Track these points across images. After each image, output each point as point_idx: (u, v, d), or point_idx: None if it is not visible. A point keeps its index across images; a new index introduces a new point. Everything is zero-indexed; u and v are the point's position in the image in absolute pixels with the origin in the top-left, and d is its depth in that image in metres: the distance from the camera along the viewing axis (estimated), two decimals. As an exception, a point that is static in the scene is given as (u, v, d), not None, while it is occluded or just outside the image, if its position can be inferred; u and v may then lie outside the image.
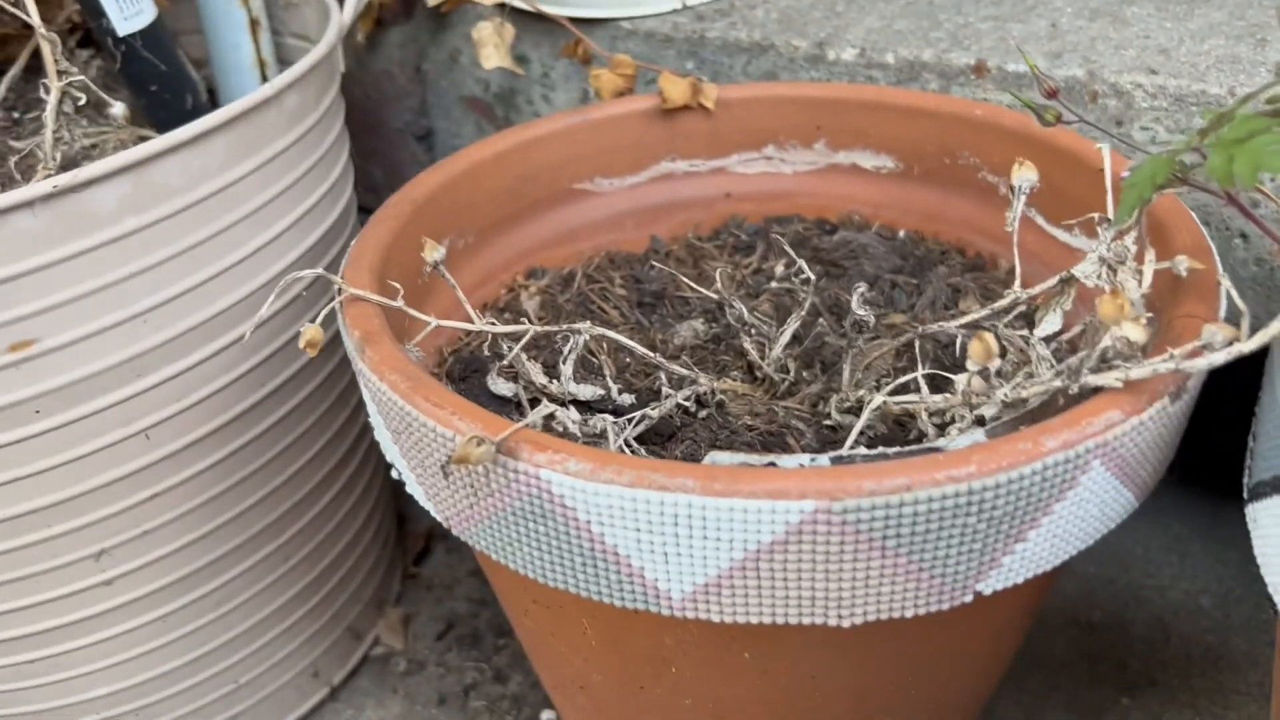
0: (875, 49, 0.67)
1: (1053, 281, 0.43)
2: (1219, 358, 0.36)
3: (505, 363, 0.51)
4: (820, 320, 0.57)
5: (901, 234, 0.66)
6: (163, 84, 0.63)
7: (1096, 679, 0.69)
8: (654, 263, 0.64)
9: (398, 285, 0.47)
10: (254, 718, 0.66)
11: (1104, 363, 0.39)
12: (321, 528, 0.64)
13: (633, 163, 0.67)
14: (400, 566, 0.79)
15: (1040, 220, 0.48)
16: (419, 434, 0.41)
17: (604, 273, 0.64)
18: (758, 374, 0.54)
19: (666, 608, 0.39)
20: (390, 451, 0.45)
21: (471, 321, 0.50)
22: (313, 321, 0.44)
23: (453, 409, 0.40)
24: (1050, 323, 0.44)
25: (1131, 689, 0.69)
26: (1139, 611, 0.74)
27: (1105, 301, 0.36)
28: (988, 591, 0.39)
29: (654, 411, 0.48)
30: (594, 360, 0.54)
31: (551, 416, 0.45)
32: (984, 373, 0.41)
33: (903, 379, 0.47)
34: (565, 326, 0.50)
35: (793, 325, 0.53)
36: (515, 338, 0.50)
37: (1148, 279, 0.40)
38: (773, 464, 0.39)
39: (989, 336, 0.38)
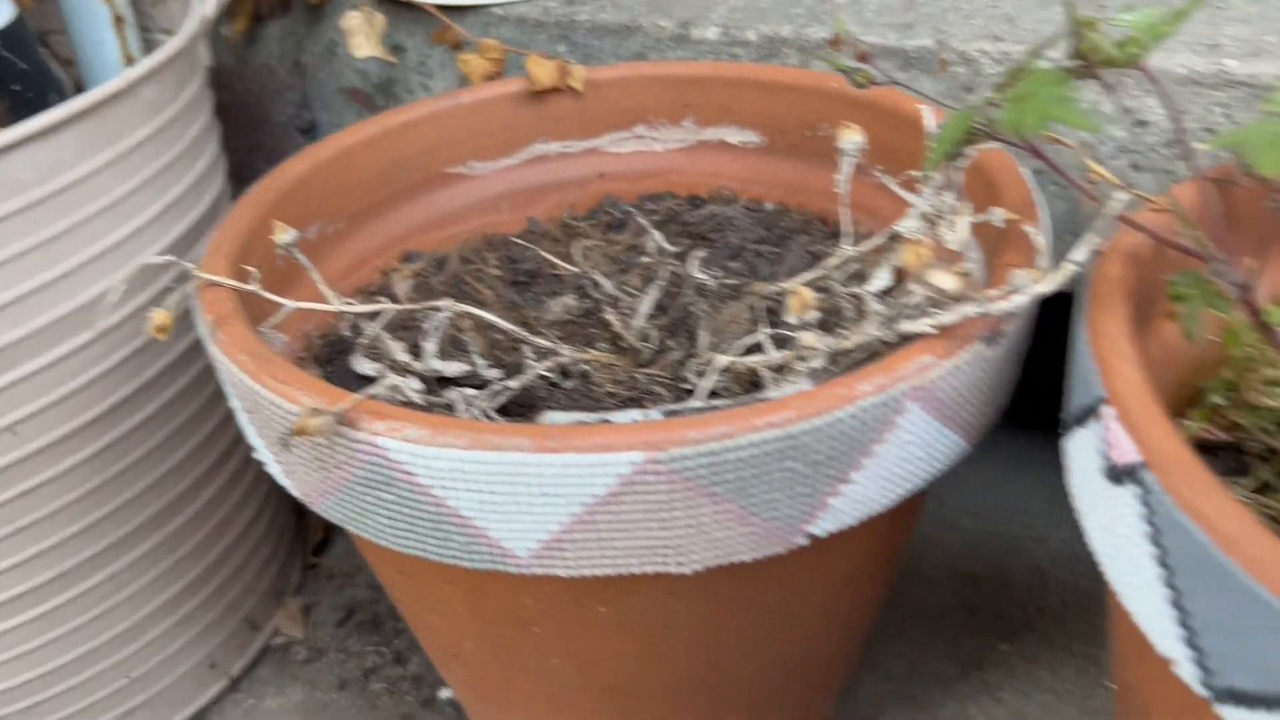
0: (737, 26, 0.69)
1: (880, 239, 0.45)
2: (1021, 300, 0.39)
3: (366, 342, 0.52)
4: (688, 292, 0.59)
5: (769, 206, 0.68)
6: (26, 83, 0.63)
7: (977, 628, 0.72)
8: (526, 243, 0.65)
9: (254, 270, 0.48)
10: (150, 711, 0.66)
11: (923, 312, 0.41)
12: (208, 520, 0.65)
13: (505, 145, 0.68)
14: (300, 557, 0.79)
15: (891, 185, 0.50)
16: (267, 411, 0.42)
17: (479, 254, 0.65)
18: (623, 344, 0.55)
19: (515, 565, 0.41)
20: (249, 432, 0.46)
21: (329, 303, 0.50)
22: (162, 307, 0.45)
23: (297, 385, 0.41)
24: (881, 278, 0.46)
25: (1010, 636, 0.71)
26: (1018, 562, 0.76)
27: (909, 251, 0.37)
28: (821, 533, 0.41)
29: (514, 383, 0.50)
30: (464, 338, 0.56)
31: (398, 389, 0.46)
32: (815, 326, 0.43)
33: (752, 339, 0.49)
34: (426, 304, 0.51)
35: (652, 296, 0.54)
36: (376, 317, 0.51)
37: (963, 232, 0.42)
38: (606, 421, 0.41)
39: (805, 291, 0.39)
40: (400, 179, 0.65)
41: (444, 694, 0.70)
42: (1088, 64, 0.39)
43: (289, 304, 0.48)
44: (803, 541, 0.41)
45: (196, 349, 0.61)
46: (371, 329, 0.50)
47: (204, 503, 0.64)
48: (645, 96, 0.68)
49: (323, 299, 0.51)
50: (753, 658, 0.50)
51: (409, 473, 0.39)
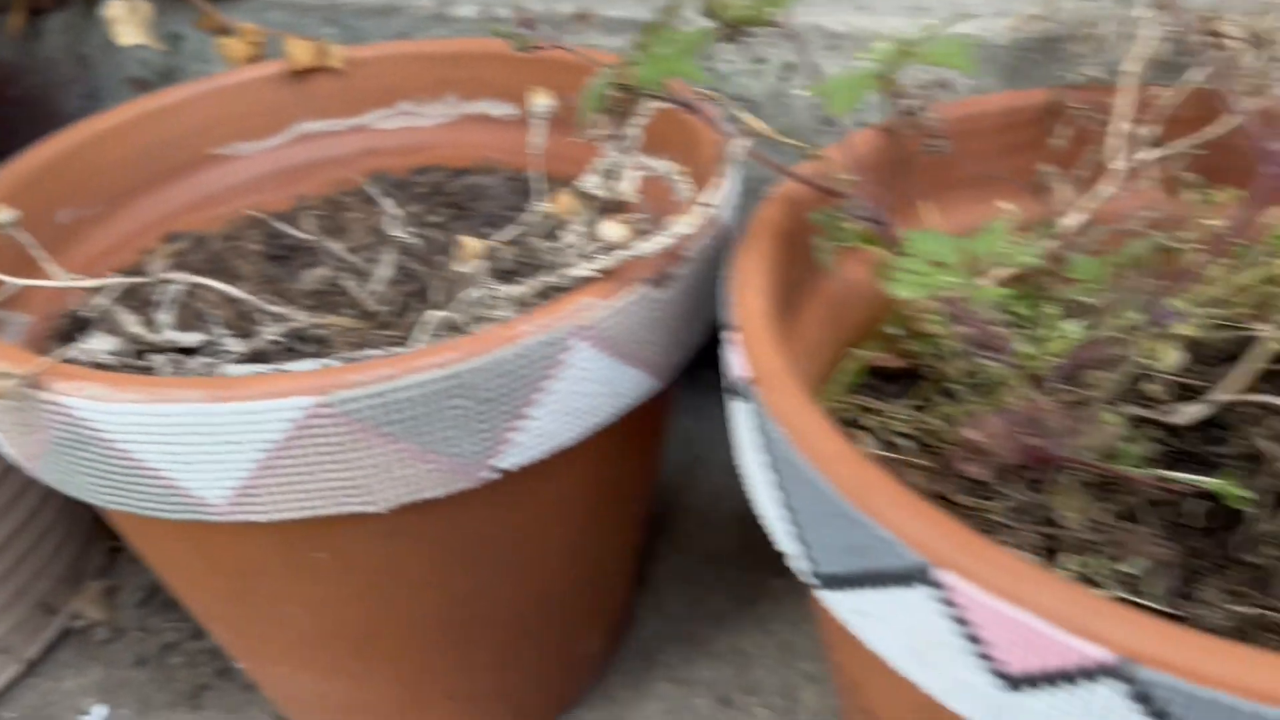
0: (493, 4, 0.72)
1: (566, 194, 0.48)
2: (666, 241, 0.42)
3: (98, 317, 0.53)
4: (438, 258, 0.61)
5: (532, 174, 0.71)
6: None
7: (755, 565, 0.76)
8: (287, 220, 0.67)
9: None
10: (-61, 699, 0.67)
11: (588, 257, 0.44)
12: (-15, 505, 0.66)
13: (270, 126, 0.70)
14: (102, 543, 0.80)
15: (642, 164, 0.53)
16: (-32, 380, 0.43)
17: (242, 232, 0.67)
18: (365, 309, 0.58)
19: (214, 514, 0.43)
20: (-31, 406, 0.48)
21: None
22: None
23: (-8, 353, 0.42)
24: (572, 231, 0.49)
25: (783, 571, 0.75)
26: (799, 503, 0.81)
27: (560, 200, 0.41)
28: (510, 467, 0.44)
29: (242, 347, 0.52)
30: (208, 310, 0.57)
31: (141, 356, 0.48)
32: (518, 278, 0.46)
33: (470, 294, 0.52)
34: (159, 277, 0.53)
35: (388, 262, 0.57)
36: (101, 291, 0.53)
37: (631, 184, 0.46)
38: (281, 371, 0.43)
39: (471, 241, 0.42)
40: (161, 161, 0.66)
41: (240, 663, 0.71)
42: (723, 23, 0.43)
43: (11, 280, 0.50)
44: (492, 476, 0.44)
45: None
46: (98, 303, 0.52)
47: (-21, 489, 0.65)
48: (407, 74, 0.71)
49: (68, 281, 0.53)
50: (491, 597, 0.53)
51: (96, 429, 0.41)
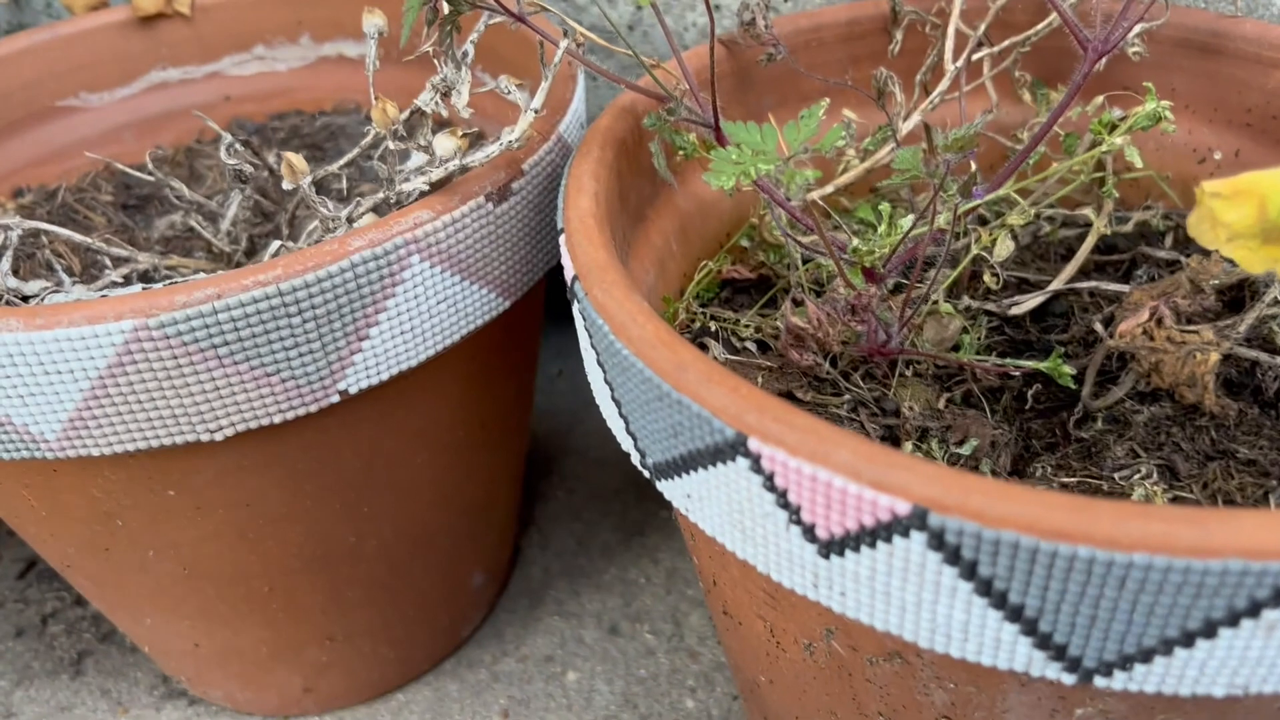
0: (345, -58, 0.70)
1: (404, 115, 0.48)
2: (493, 151, 0.42)
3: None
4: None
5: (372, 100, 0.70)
6: None
7: (642, 499, 0.77)
8: (140, 169, 0.65)
9: None
10: None
11: (421, 172, 0.43)
12: None
13: (120, 75, 0.68)
14: (-24, 517, 0.78)
15: (486, 78, 0.53)
16: None
17: (94, 184, 0.65)
18: (215, 250, 0.57)
19: (48, 450, 0.42)
20: None
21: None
22: None
23: None
24: (415, 157, 0.48)
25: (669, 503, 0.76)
26: (686, 437, 0.81)
27: (375, 111, 0.40)
28: (353, 389, 0.44)
29: (79, 291, 0.50)
30: (54, 259, 0.56)
31: None
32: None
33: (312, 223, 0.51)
34: (-9, 224, 0.51)
35: (235, 202, 0.56)
36: (-60, 240, 0.51)
37: (464, 99, 0.45)
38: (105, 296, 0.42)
39: (292, 157, 0.42)
40: (1, 114, 0.64)
41: (112, 618, 0.70)
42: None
43: None
44: (334, 399, 0.44)
45: None
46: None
47: None
48: (259, 16, 0.69)
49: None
50: (355, 530, 0.53)
51: (-86, 367, 0.39)
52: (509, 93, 0.46)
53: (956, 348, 0.46)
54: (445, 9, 0.44)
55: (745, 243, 0.52)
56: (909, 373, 0.45)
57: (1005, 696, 0.36)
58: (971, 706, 0.37)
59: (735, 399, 0.31)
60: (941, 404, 0.44)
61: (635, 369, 0.34)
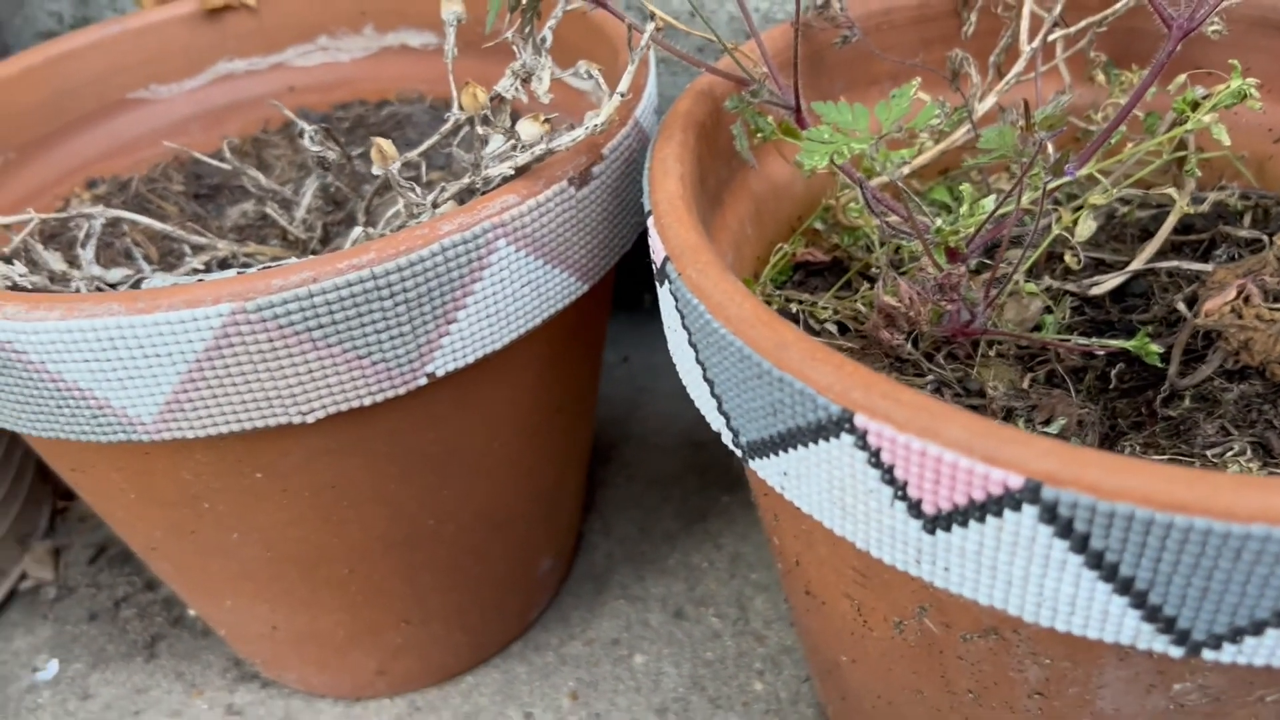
0: (407, -67, 0.71)
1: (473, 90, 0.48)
2: (580, 134, 0.42)
3: (12, 251, 0.52)
4: (364, 187, 0.61)
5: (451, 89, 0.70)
6: None
7: (703, 486, 0.77)
8: (206, 159, 0.66)
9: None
10: (-114, 664, 0.66)
11: (506, 157, 0.44)
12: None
13: (188, 67, 0.69)
14: (48, 503, 0.79)
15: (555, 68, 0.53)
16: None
17: (165, 174, 0.66)
18: (290, 237, 0.57)
19: (144, 433, 0.43)
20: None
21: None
22: None
23: (-96, 282, 0.42)
24: (495, 140, 0.49)
25: (732, 488, 0.77)
26: (744, 423, 0.82)
27: (464, 95, 0.40)
28: (441, 371, 0.44)
29: (165, 277, 0.51)
30: (133, 247, 0.57)
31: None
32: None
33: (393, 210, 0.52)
34: (78, 212, 0.52)
35: (311, 189, 0.56)
36: (28, 229, 0.52)
37: (545, 85, 0.46)
38: (202, 280, 0.43)
39: (382, 142, 0.42)
40: (73, 107, 0.65)
41: (193, 611, 0.71)
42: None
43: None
44: (422, 381, 0.44)
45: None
46: (17, 246, 0.51)
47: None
48: (323, 7, 0.70)
49: (-27, 218, 0.52)
50: (435, 514, 0.53)
51: (18, 351, 0.40)
52: (589, 77, 0.46)
53: (1038, 328, 0.46)
54: (527, -5, 0.44)
55: (819, 225, 0.52)
56: (991, 353, 0.45)
57: (1102, 671, 0.36)
58: (1066, 682, 0.37)
59: (841, 376, 0.31)
60: (1025, 384, 0.44)
61: (733, 348, 0.34)
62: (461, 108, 0.41)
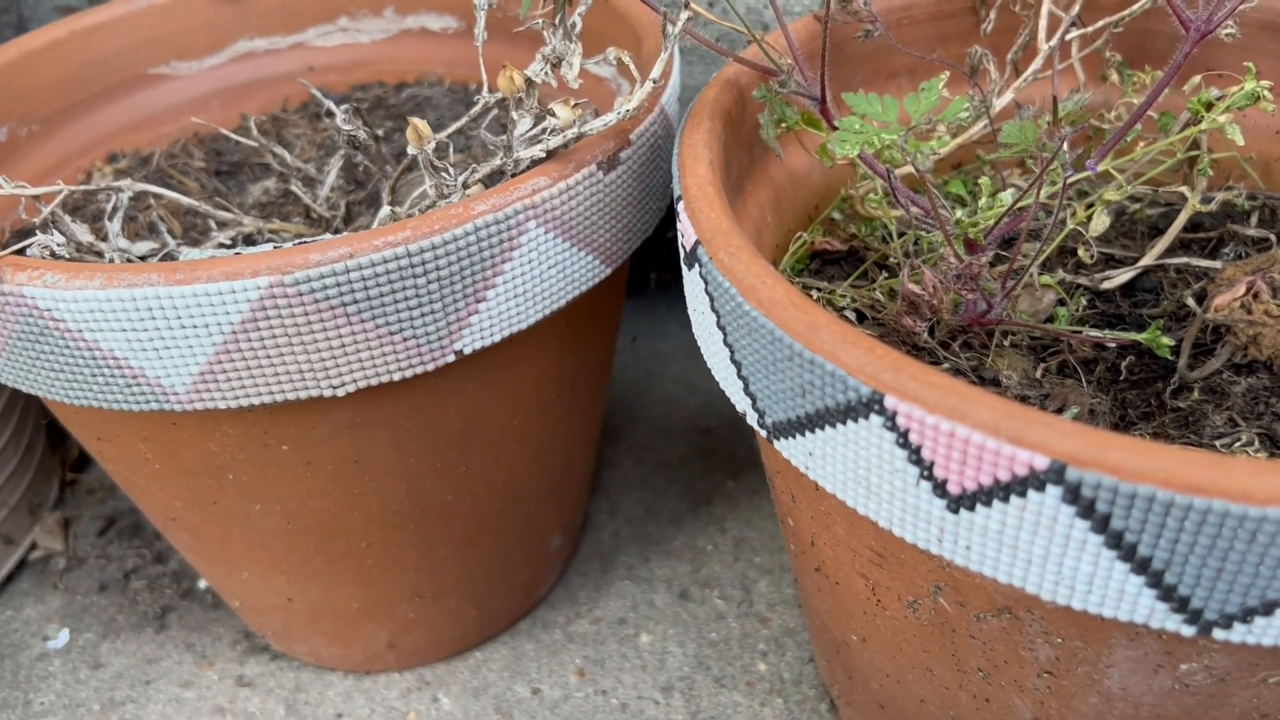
0: (429, -84, 0.72)
1: (511, 73, 0.49)
2: (611, 119, 0.43)
3: (41, 222, 0.53)
4: (386, 167, 0.62)
5: (473, 86, 0.71)
6: None
7: (709, 470, 0.78)
8: (231, 135, 0.67)
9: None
10: (-101, 629, 0.67)
11: (537, 140, 0.45)
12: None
13: (210, 44, 0.69)
14: (57, 474, 0.80)
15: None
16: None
17: (186, 150, 0.67)
18: (313, 215, 0.58)
19: (176, 403, 0.43)
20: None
21: None
22: None
23: (-56, 249, 0.42)
24: (522, 123, 0.50)
25: (736, 474, 0.78)
26: (749, 410, 0.83)
27: (501, 78, 0.41)
28: (468, 350, 0.45)
29: (189, 252, 0.52)
30: (158, 221, 0.57)
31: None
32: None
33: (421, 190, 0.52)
34: (105, 185, 0.53)
35: (335, 167, 0.57)
36: (57, 200, 0.53)
37: (575, 70, 0.47)
38: (239, 253, 0.44)
39: (418, 122, 0.43)
40: (96, 81, 0.65)
41: (202, 584, 0.72)
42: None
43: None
44: (450, 358, 0.45)
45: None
46: (47, 211, 0.51)
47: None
48: (344, -12, 0.71)
49: (28, 201, 0.53)
50: (453, 488, 0.54)
51: (57, 319, 0.41)
52: (614, 64, 0.47)
53: (1051, 319, 0.47)
54: (559, -19, 0.45)
55: (836, 215, 0.53)
56: (1005, 343, 0.46)
57: (1111, 651, 0.37)
58: (1075, 661, 0.38)
59: (871, 358, 0.33)
60: (1038, 374, 0.45)
61: (764, 330, 0.35)
62: (496, 90, 0.42)
